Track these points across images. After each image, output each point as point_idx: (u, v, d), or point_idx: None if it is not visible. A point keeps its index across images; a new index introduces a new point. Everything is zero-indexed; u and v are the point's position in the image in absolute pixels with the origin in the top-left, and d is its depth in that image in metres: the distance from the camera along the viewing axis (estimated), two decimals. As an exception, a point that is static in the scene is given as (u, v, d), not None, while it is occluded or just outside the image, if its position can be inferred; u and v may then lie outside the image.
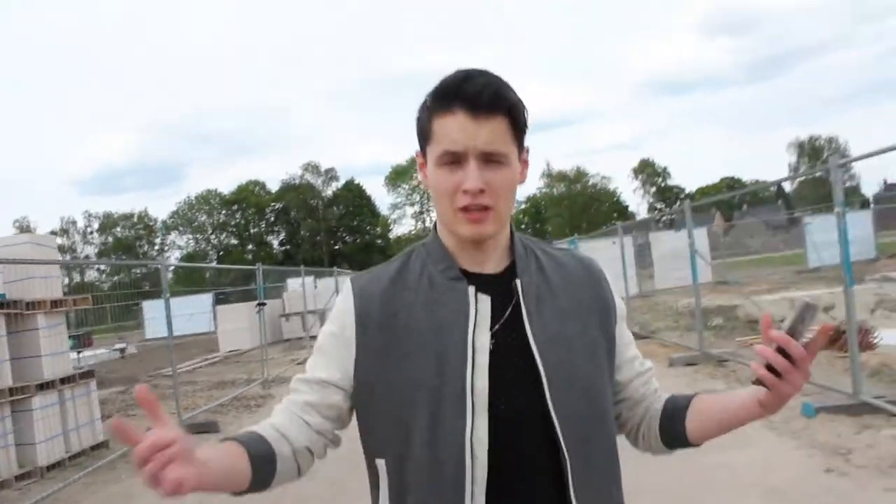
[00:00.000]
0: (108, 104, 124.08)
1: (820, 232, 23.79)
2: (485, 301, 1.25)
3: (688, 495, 4.50)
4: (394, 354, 1.24)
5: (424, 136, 1.26)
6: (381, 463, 1.27)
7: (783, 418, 5.67)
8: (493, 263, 1.30)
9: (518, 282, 1.27)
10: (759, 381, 1.13)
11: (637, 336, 8.07)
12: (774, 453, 5.08)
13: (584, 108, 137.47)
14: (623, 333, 1.38)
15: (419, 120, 1.28)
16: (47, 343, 7.16)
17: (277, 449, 1.24)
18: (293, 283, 24.08)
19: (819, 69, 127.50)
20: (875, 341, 8.51)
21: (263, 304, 12.60)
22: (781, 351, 1.09)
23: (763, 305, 13.56)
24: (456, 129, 1.19)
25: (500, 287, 1.27)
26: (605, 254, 14.85)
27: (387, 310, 1.26)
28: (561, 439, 1.20)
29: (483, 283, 1.27)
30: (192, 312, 24.69)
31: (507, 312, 1.25)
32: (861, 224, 24.16)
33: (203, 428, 8.27)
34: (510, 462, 1.20)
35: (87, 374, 7.81)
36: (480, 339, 1.22)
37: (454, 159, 1.20)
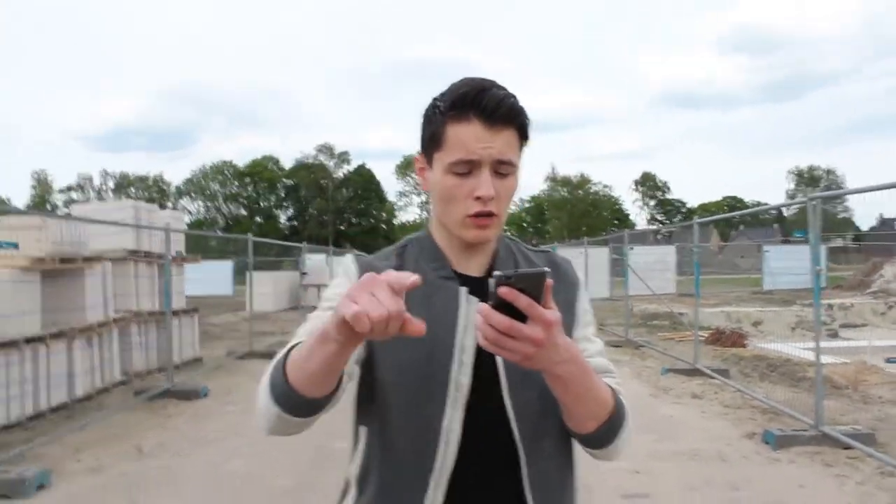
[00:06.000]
0: (118, 65, 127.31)
1: (775, 260, 27.28)
2: (473, 302, 1.27)
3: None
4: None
5: (435, 141, 1.25)
6: (363, 430, 1.34)
7: (648, 374, 9.19)
8: (477, 266, 1.34)
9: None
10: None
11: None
12: (636, 392, 8.53)
13: (594, 112, 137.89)
14: (580, 339, 1.35)
15: (430, 124, 1.26)
16: (177, 284, 10.60)
17: None
18: (310, 258, 27.53)
19: (829, 99, 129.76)
20: (746, 343, 11.99)
21: (306, 274, 15.95)
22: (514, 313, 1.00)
23: (704, 316, 17.11)
24: (472, 137, 1.20)
25: (483, 289, 1.19)
26: (577, 261, 18.28)
27: None
28: (516, 434, 1.25)
29: (471, 284, 1.30)
30: (215, 277, 28.34)
31: None
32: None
33: (270, 356, 11.71)
34: (474, 451, 1.26)
35: (194, 310, 11.23)
36: (468, 340, 1.25)
37: (468, 168, 1.22)
